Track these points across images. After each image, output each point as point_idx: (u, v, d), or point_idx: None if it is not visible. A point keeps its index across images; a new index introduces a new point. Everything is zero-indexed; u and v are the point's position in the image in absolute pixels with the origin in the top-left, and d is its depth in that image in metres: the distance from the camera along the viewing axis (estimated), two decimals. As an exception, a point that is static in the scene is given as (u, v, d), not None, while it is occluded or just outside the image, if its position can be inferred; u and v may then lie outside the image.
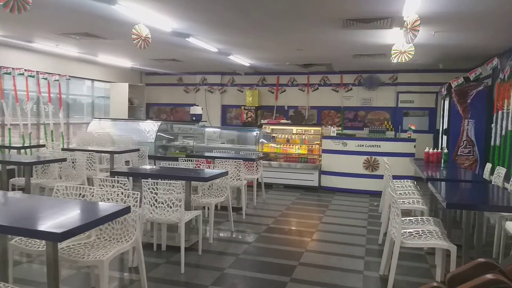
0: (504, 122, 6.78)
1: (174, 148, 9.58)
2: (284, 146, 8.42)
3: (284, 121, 9.41)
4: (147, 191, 3.92)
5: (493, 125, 7.39)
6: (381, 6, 4.63)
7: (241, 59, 8.74)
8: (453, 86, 7.86)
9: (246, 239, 4.85)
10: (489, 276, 1.81)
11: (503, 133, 6.79)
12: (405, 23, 4.41)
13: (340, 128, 8.48)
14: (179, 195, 3.82)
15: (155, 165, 8.75)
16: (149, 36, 5.06)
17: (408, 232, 3.57)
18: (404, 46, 5.75)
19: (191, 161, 5.54)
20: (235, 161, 5.79)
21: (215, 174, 4.43)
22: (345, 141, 7.97)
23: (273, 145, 8.50)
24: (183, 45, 7.19)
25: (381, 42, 6.70)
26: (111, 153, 6.85)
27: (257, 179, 6.73)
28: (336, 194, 7.75)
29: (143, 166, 6.81)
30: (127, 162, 8.07)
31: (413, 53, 5.72)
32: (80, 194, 3.26)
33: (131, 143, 8.77)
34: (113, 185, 3.71)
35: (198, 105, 10.49)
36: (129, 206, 2.77)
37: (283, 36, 6.38)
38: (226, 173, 4.70)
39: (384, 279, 3.72)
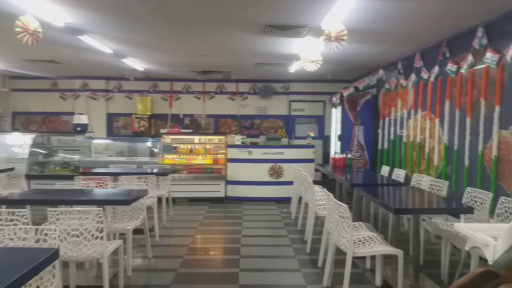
0: (392, 128, 7.51)
1: (54, 164, 8.24)
2: (188, 157, 7.92)
3: (186, 130, 8.88)
4: (55, 223, 3.11)
5: (379, 130, 8.15)
6: (303, 14, 4.62)
7: (136, 63, 7.96)
8: (344, 95, 8.45)
9: (170, 266, 4.28)
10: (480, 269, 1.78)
11: (392, 137, 7.52)
12: (329, 32, 4.45)
13: (244, 136, 8.36)
14: (98, 224, 3.12)
15: (29, 187, 7.39)
16: (40, 30, 4.14)
17: (346, 239, 3.55)
18: (313, 55, 5.91)
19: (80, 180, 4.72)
20: (146, 177, 5.14)
21: (136, 195, 3.79)
22: (250, 149, 7.87)
23: (174, 156, 7.93)
24: (71, 45, 6.19)
25: (285, 51, 6.79)
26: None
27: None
28: (244, 203, 7.58)
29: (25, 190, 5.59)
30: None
31: (321, 63, 5.91)
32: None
33: (-3, 160, 7.22)
34: (9, 219, 2.85)
35: (82, 114, 9.25)
36: (57, 249, 2.08)
37: (193, 39, 5.95)
38: (145, 192, 4.08)
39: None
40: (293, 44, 6.26)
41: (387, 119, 7.80)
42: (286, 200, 7.63)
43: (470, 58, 5.00)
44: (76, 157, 8.10)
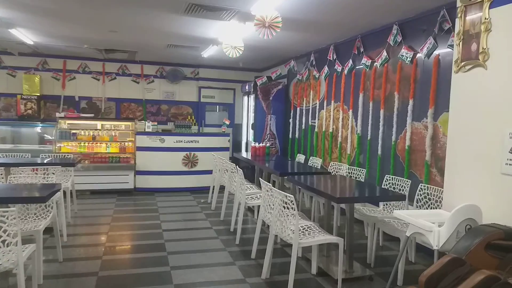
0: (304, 118, 7.76)
1: None
2: (90, 144, 7.11)
3: (86, 114, 7.93)
4: None
5: (291, 120, 8.38)
6: (236, -4, 4.40)
7: (25, 35, 6.79)
8: (258, 84, 8.46)
9: (89, 269, 3.75)
10: (483, 273, 1.87)
11: (304, 127, 7.77)
12: (262, 18, 4.31)
13: (156, 123, 7.80)
14: (11, 228, 2.53)
15: None
16: None
17: (291, 230, 3.52)
18: (235, 41, 5.74)
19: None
20: (53, 168, 4.42)
21: (51, 190, 3.18)
22: (162, 137, 7.39)
23: (74, 143, 7.04)
24: None
25: (204, 35, 6.47)
26: None
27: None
28: (156, 195, 7.11)
29: None
30: None
31: (242, 50, 5.77)
32: None
33: None
34: None
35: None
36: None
37: (102, 10, 5.24)
38: (59, 185, 3.48)
39: (271, 283, 3.56)
40: (213, 28, 5.98)
41: (298, 109, 8.03)
42: (201, 190, 7.39)
43: (384, 54, 5.35)
44: None
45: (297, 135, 8.05)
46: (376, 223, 4.02)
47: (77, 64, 9.29)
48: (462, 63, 3.15)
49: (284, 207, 3.32)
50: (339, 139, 6.44)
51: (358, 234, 5.01)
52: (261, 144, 6.46)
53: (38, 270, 3.30)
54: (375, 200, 4.36)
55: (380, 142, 5.42)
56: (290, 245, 4.39)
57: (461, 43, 3.17)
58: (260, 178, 4.04)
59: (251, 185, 5.35)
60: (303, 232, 3.52)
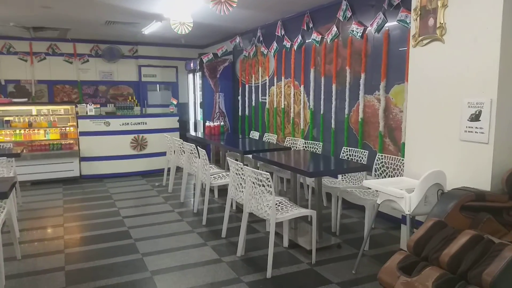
0: (254, 95, 7.78)
1: None
2: (26, 132, 6.52)
3: (19, 100, 7.21)
4: None
5: (239, 97, 8.35)
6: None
7: None
8: (204, 61, 8.27)
9: (53, 264, 3.51)
10: (469, 233, 2.06)
11: (254, 104, 7.79)
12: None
13: (98, 106, 7.33)
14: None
15: None
16: None
17: (268, 206, 3.58)
18: (183, 17, 5.54)
19: None
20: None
21: (8, 184, 2.90)
22: (108, 120, 7.00)
23: (8, 132, 6.42)
24: None
25: (148, 10, 6.13)
26: None
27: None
28: (106, 181, 6.78)
29: None
30: None
31: (191, 26, 5.59)
32: None
33: None
34: None
35: None
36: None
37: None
38: (15, 177, 3.18)
39: (247, 260, 3.61)
40: (159, 3, 5.70)
41: (247, 86, 8.02)
42: (154, 173, 7.18)
43: (334, 29, 5.49)
44: None
45: (247, 112, 8.06)
46: (339, 193, 4.21)
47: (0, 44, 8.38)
48: (420, 38, 3.34)
49: (259, 184, 3.35)
50: (292, 114, 6.57)
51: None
52: (215, 123, 6.38)
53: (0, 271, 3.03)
54: (344, 172, 4.54)
55: (333, 115, 5.62)
56: (258, 221, 4.53)
57: (418, 18, 3.35)
58: (228, 158, 4.01)
59: (210, 165, 5.31)
60: (277, 208, 3.59)
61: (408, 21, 4.28)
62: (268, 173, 3.27)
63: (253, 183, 3.41)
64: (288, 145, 5.80)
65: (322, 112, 5.84)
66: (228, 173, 4.58)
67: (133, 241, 4.07)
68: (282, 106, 6.82)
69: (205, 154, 4.66)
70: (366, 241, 3.55)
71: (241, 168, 3.61)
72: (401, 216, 3.69)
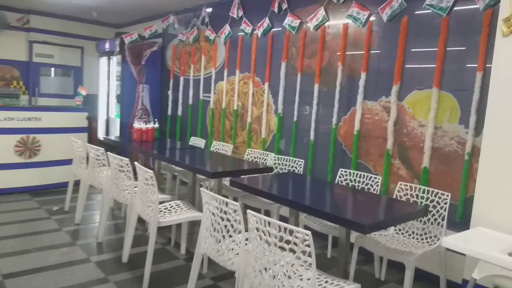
0: (192, 90, 6.13)
1: None
2: None
3: None
4: None
5: (170, 92, 6.62)
6: None
7: None
8: (126, 42, 6.37)
9: None
10: None
11: (191, 101, 6.14)
12: None
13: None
14: None
15: None
16: None
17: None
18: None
19: None
20: None
21: None
22: (-21, 112, 4.72)
23: None
24: None
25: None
26: None
27: None
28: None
29: None
30: None
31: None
32: None
33: None
34: None
35: None
36: None
37: None
38: None
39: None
40: None
41: (182, 78, 6.34)
42: (49, 189, 5.12)
43: (322, 12, 4.22)
44: None
45: (179, 112, 6.37)
46: (357, 241, 2.92)
47: None
48: (520, 22, 2.22)
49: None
50: (248, 119, 5.13)
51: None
52: (148, 126, 4.58)
53: None
54: (403, 221, 2.93)
55: (313, 125, 4.33)
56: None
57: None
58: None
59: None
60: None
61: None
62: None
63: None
64: (252, 159, 4.36)
65: (295, 119, 4.52)
66: (179, 202, 3.00)
67: None
68: (235, 108, 5.33)
69: (153, 177, 2.94)
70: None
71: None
72: (462, 282, 2.53)
